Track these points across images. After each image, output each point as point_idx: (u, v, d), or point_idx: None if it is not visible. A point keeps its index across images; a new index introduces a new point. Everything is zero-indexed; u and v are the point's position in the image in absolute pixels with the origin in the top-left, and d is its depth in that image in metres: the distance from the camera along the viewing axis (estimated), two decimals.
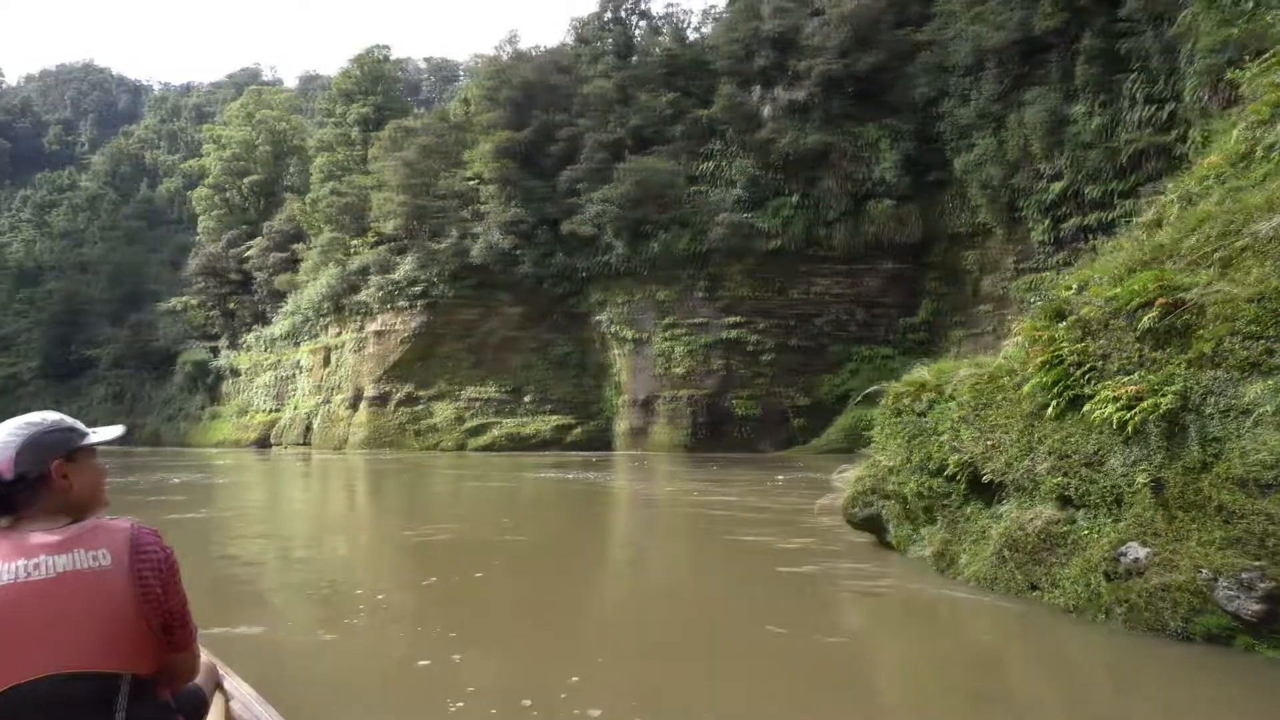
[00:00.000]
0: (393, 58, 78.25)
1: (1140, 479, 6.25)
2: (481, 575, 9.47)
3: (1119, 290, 6.79)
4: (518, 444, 51.14)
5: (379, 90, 70.02)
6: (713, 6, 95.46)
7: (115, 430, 2.77)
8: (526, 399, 53.70)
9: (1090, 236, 37.22)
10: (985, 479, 7.98)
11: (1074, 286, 7.81)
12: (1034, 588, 7.15)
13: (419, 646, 6.23)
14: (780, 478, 25.09)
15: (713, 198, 48.80)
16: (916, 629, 7.22)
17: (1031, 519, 7.27)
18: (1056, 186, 37.87)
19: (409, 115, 69.46)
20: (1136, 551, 6.21)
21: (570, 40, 62.70)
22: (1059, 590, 6.85)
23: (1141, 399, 6.23)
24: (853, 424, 43.42)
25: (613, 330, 51.65)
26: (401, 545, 12.43)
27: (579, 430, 51.96)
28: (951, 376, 9.20)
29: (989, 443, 7.95)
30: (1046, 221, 38.87)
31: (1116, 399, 6.39)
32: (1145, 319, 6.45)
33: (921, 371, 10.05)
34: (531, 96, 57.58)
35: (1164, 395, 6.08)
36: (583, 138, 53.83)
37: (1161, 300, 6.28)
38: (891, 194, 46.19)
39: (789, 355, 47.64)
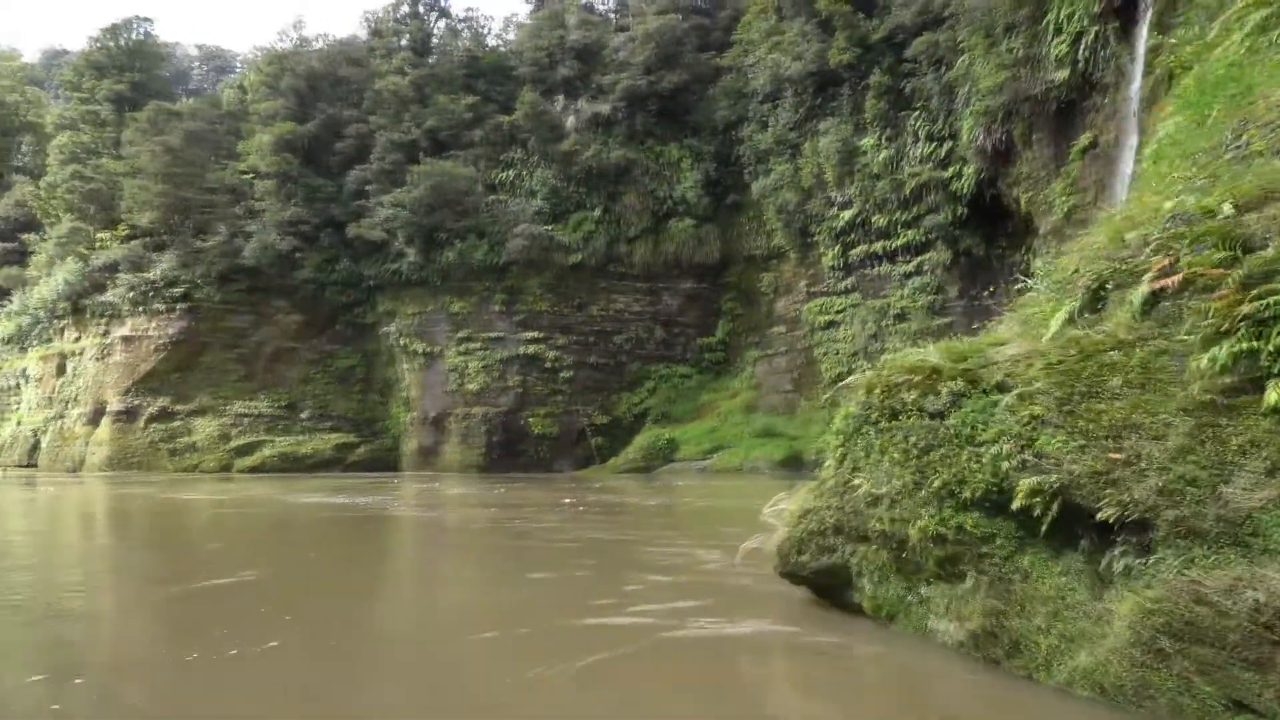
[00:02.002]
0: (160, 39, 70.26)
1: None
2: (277, 644, 7.13)
3: None
4: (292, 464, 46.50)
5: (138, 67, 62.23)
6: (514, 15, 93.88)
7: None
8: (303, 415, 49.09)
9: (875, 264, 39.07)
10: (1103, 514, 5.24)
11: (1223, 206, 5.53)
12: (1242, 708, 4.44)
13: None
14: (593, 498, 23.59)
15: (512, 207, 46.96)
16: None
17: (1237, 588, 4.49)
18: (847, 214, 39.35)
19: (174, 99, 62.26)
20: None
21: (364, 34, 58.82)
22: None
23: None
24: (651, 443, 43.08)
25: (402, 343, 48.37)
26: (157, 603, 9.66)
27: (363, 449, 48.13)
28: (991, 355, 6.60)
29: (1113, 455, 5.32)
30: (837, 247, 40.30)
31: None
32: None
33: (921, 353, 7.26)
34: (317, 88, 53.24)
35: None
36: (374, 136, 50.29)
37: None
38: (692, 214, 46.45)
39: (588, 372, 46.54)
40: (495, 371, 45.83)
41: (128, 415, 49.71)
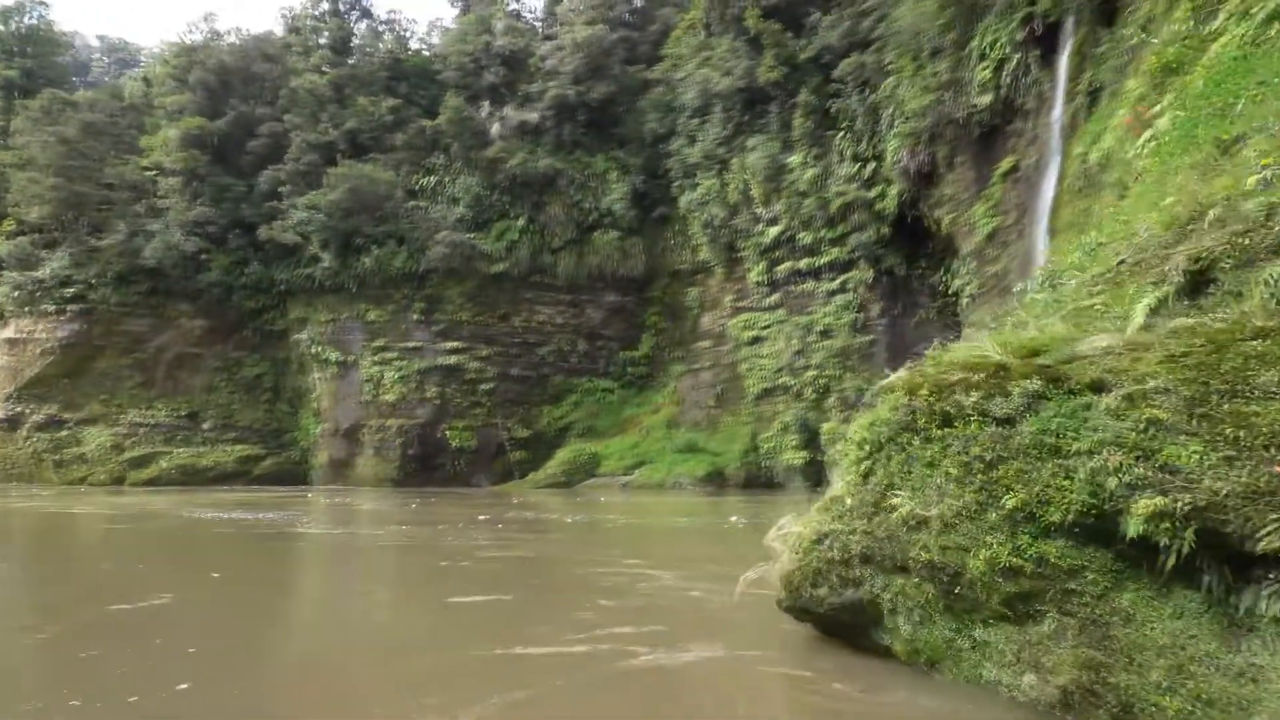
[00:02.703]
0: (57, 26, 66.27)
1: None
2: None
3: None
4: (192, 477, 44.01)
5: (31, 53, 58.58)
6: (439, 19, 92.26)
7: None
8: (206, 425, 46.59)
9: (801, 280, 39.28)
10: (1266, 545, 4.25)
11: None
12: None
13: None
14: (513, 514, 22.65)
15: (434, 214, 45.67)
16: None
17: None
18: (773, 230, 39.49)
19: (71, 89, 58.73)
20: None
21: (280, 30, 56.65)
22: None
23: None
24: (573, 457, 42.28)
25: (314, 351, 46.43)
26: (42, 639, 8.47)
27: (269, 462, 45.93)
28: (1078, 348, 5.48)
29: (1278, 469, 4.30)
30: (763, 263, 40.38)
31: None
32: None
33: (974, 347, 6.12)
34: (229, 83, 50.96)
35: None
36: (289, 136, 48.35)
37: None
38: (618, 226, 46.02)
39: (509, 385, 45.48)
40: (413, 382, 44.36)
41: (9, 423, 46.32)
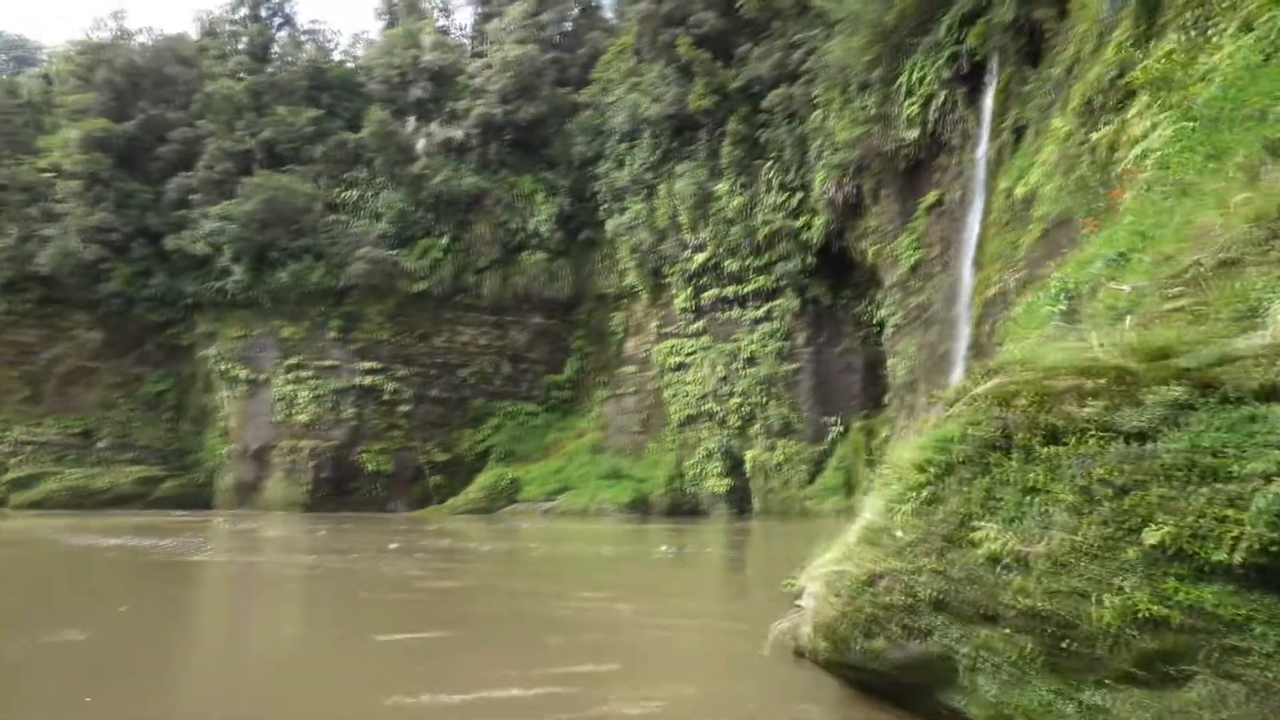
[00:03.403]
0: None
1: None
2: None
3: None
4: (84, 500, 41.37)
5: None
6: (364, 31, 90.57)
7: None
8: (101, 444, 43.93)
9: (727, 308, 39.41)
10: None
11: None
12: None
13: None
14: (428, 542, 21.66)
15: (354, 229, 44.32)
16: None
17: None
18: (700, 257, 39.54)
19: None
20: None
21: (196, 33, 54.44)
22: None
23: None
24: (493, 482, 41.31)
25: (223, 368, 44.35)
26: None
27: (170, 484, 43.59)
28: (1239, 346, 4.55)
29: None
30: (689, 289, 40.38)
31: None
32: None
33: (1081, 347, 5.06)
34: (138, 85, 48.68)
35: None
36: (203, 142, 46.38)
37: None
38: (545, 247, 45.49)
39: (429, 407, 44.25)
40: (328, 402, 42.74)
41: None
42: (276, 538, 25.75)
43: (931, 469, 5.10)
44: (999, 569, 4.69)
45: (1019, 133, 21.06)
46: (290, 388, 43.01)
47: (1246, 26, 6.69)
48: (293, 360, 43.41)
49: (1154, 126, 7.08)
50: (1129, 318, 5.37)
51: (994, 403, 4.99)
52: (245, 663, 8.95)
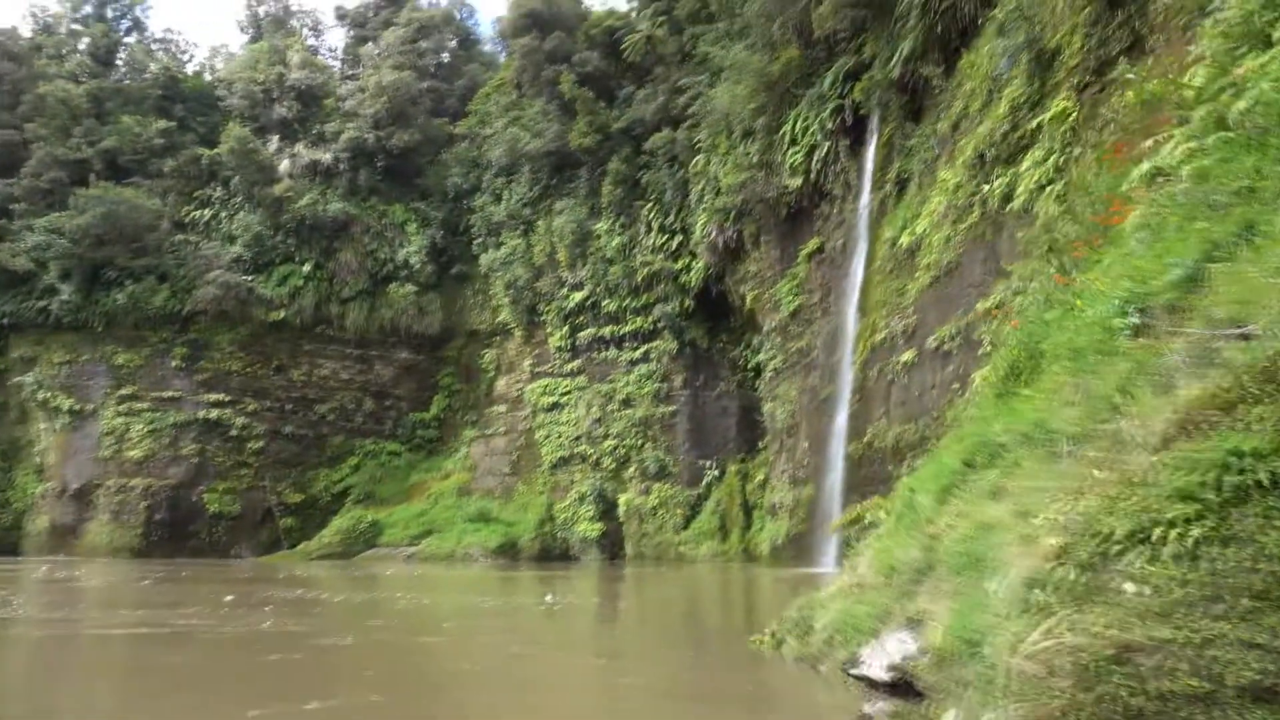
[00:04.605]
0: None
1: None
2: None
3: None
4: None
5: None
6: (224, 45, 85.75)
7: None
8: None
9: (604, 348, 38.86)
10: None
11: None
12: None
13: None
14: (282, 593, 19.46)
15: (205, 251, 41.13)
16: None
17: None
18: (577, 296, 38.95)
19: None
20: None
21: (29, 29, 49.82)
22: None
23: None
24: (351, 525, 38.79)
25: (41, 397, 39.85)
26: None
27: None
28: None
29: None
30: (566, 328, 39.63)
31: None
32: None
33: None
34: None
35: None
36: (30, 147, 42.08)
37: None
38: (414, 280, 43.68)
39: (282, 444, 41.19)
40: (166, 437, 39.02)
41: None
42: (104, 587, 22.73)
43: (1209, 493, 3.13)
44: None
45: (902, 184, 21.69)
46: (122, 420, 39.04)
47: (1267, 40, 6.75)
48: (127, 390, 39.50)
49: (1156, 146, 6.99)
50: None
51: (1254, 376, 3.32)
52: None
